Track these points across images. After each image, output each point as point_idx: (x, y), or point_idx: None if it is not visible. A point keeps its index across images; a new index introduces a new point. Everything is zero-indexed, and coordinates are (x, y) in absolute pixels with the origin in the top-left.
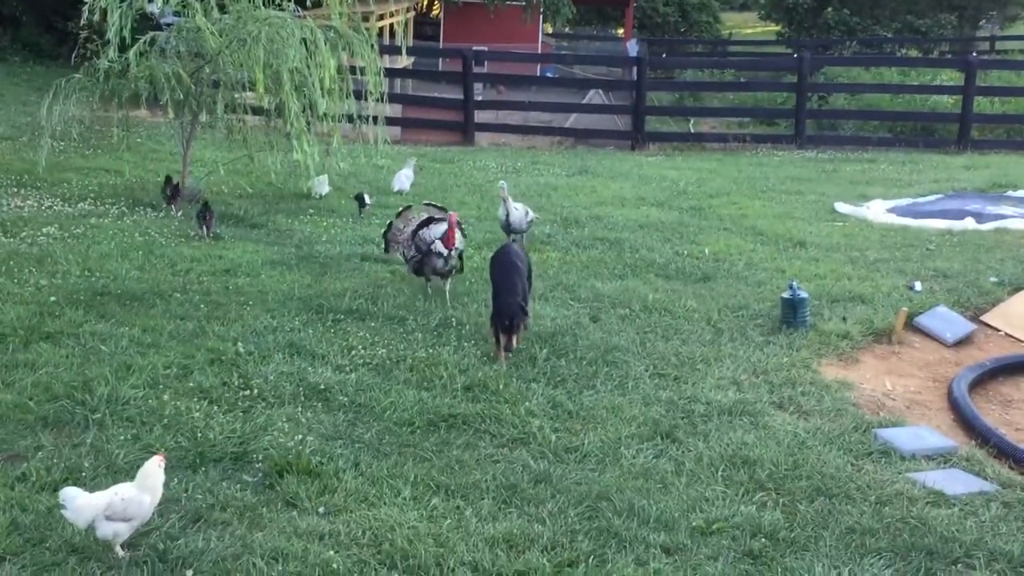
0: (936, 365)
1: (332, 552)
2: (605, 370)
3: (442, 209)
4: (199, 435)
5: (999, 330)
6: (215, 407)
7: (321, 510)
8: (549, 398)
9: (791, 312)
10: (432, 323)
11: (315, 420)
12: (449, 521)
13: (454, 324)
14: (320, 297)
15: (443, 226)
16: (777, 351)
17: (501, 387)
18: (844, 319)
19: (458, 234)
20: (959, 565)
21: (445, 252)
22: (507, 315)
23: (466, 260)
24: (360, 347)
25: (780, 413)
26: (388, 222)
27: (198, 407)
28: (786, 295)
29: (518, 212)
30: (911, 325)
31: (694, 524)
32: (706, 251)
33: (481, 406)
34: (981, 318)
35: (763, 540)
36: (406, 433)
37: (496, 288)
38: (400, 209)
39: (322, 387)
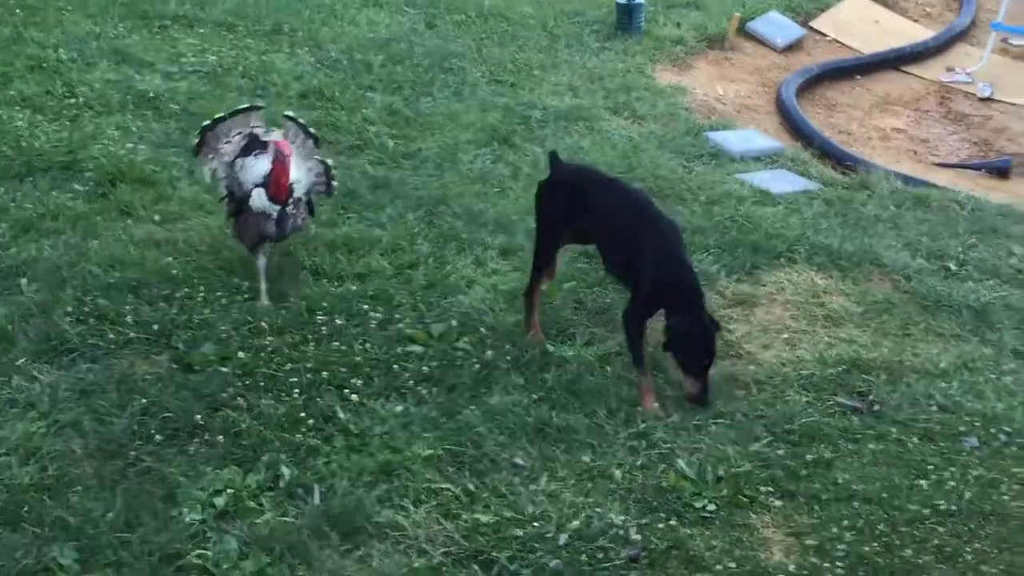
0: (766, 70)
1: (171, 259)
2: (442, 77)
3: (313, 139)
4: (24, 144)
5: (827, 35)
6: (39, 116)
7: (157, 218)
8: (386, 105)
9: (626, 18)
10: (264, 29)
11: (146, 129)
12: None
13: (286, 31)
14: (144, 2)
15: (267, 161)
16: (612, 57)
17: (337, 94)
18: (678, 25)
19: (305, 171)
20: (782, 259)
21: (275, 210)
22: (708, 347)
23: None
24: (189, 54)
25: (615, 118)
26: (216, 117)
27: (21, 116)
28: (621, 1)
29: None
30: (743, 31)
31: (530, 227)
32: None
33: (317, 113)
34: (811, 24)
35: None
36: None
37: (661, 263)
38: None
39: (151, 95)
